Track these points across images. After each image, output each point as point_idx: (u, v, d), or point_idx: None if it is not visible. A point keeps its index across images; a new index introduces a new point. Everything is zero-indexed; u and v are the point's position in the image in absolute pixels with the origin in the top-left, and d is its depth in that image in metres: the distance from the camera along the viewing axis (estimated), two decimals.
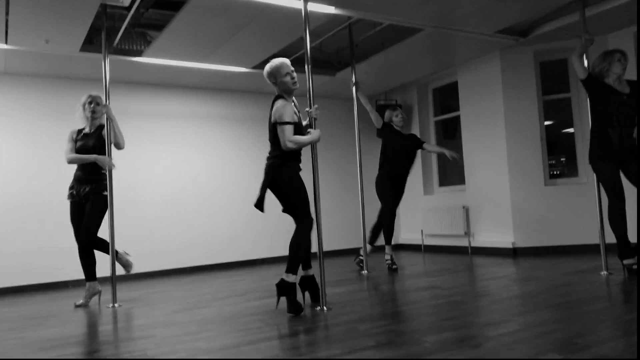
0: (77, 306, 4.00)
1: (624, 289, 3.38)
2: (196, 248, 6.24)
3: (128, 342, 2.71)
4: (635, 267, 3.81)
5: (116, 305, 3.94)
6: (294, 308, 3.15)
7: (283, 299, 3.33)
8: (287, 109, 3.23)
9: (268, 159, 3.39)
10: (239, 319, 3.16)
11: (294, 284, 3.22)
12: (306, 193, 3.33)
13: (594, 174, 4.03)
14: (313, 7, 3.97)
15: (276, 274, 5.32)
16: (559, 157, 6.05)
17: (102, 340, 2.84)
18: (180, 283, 5.17)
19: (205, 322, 3.12)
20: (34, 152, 5.43)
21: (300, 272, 3.47)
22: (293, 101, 3.41)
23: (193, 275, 5.83)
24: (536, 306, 2.96)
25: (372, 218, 5.50)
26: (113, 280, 4.00)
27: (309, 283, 3.53)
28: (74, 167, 4.13)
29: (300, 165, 3.44)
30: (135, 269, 5.69)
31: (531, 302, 3.08)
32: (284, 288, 3.20)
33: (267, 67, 3.34)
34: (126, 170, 5.77)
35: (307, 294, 3.61)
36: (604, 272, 3.98)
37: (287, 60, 3.34)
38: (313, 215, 3.34)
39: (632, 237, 4.18)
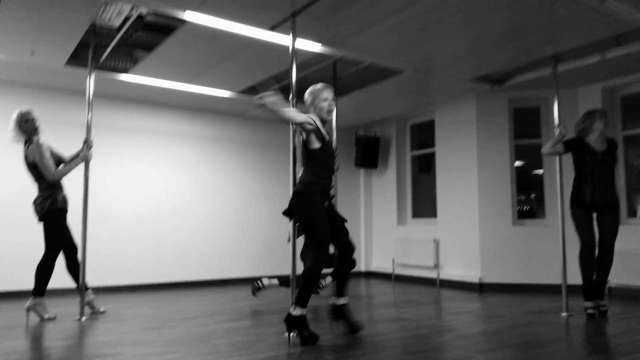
0: (43, 319, 3.95)
1: (583, 331, 3.53)
2: (168, 265, 6.21)
3: None
4: (589, 311, 4.05)
5: (83, 318, 3.92)
6: (306, 340, 3.05)
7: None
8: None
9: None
10: (208, 341, 3.18)
11: (303, 316, 3.11)
12: (326, 225, 3.19)
13: (560, 219, 4.35)
14: (301, 44, 4.12)
15: (247, 295, 5.34)
16: (529, 192, 6.28)
17: (66, 356, 2.83)
18: (149, 299, 5.14)
19: (174, 342, 3.14)
20: (10, 161, 5.37)
21: (335, 299, 3.44)
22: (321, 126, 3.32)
23: (163, 292, 5.79)
24: (498, 344, 3.08)
25: None
26: (82, 292, 3.99)
27: (339, 312, 3.43)
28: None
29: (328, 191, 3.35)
30: (106, 282, 5.67)
31: (494, 340, 3.20)
32: (290, 323, 3.12)
33: (311, 87, 3.33)
34: (103, 183, 5.76)
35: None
36: (564, 314, 4.14)
37: (331, 87, 3.32)
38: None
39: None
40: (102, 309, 4.26)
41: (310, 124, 3.19)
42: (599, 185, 4.09)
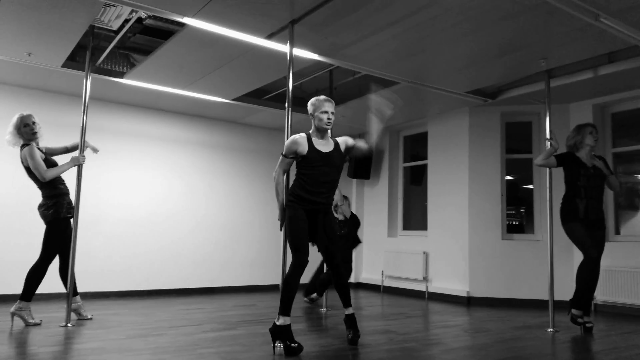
0: (28, 324, 3.90)
1: (569, 347, 3.56)
2: (157, 271, 6.17)
3: None
4: (579, 320, 4.07)
5: (69, 324, 3.88)
6: (290, 351, 3.07)
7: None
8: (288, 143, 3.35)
9: None
10: (194, 350, 3.16)
11: (287, 326, 3.14)
12: (300, 231, 3.30)
13: (549, 235, 4.35)
14: (298, 52, 4.15)
15: (235, 305, 5.32)
16: (519, 207, 6.32)
17: None
18: (137, 306, 5.10)
19: (159, 351, 3.12)
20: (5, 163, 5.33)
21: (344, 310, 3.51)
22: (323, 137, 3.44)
23: (150, 299, 5.75)
24: (484, 359, 3.09)
25: None
26: (69, 297, 3.95)
27: (349, 322, 3.50)
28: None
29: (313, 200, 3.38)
30: (93, 288, 5.62)
31: (480, 355, 3.20)
32: (275, 333, 3.15)
33: (313, 98, 3.44)
34: (94, 187, 5.72)
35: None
36: (550, 329, 4.16)
37: (331, 101, 3.43)
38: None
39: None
40: (89, 315, 4.22)
41: (287, 155, 3.36)
42: (592, 201, 4.11)
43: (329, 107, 3.38)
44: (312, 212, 3.35)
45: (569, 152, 4.28)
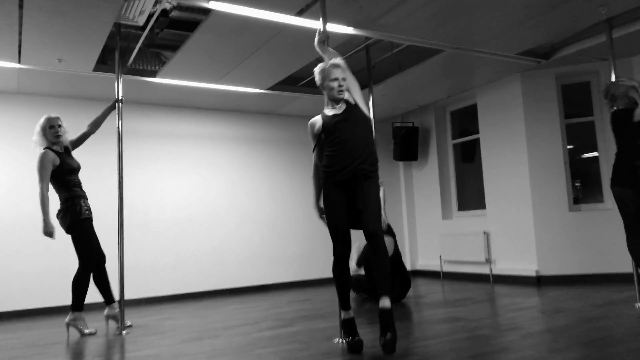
0: (83, 335, 3.83)
1: None
2: (208, 272, 6.07)
3: None
4: None
5: (124, 332, 3.78)
6: (349, 347, 2.86)
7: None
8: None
9: None
10: (252, 350, 2.98)
11: (345, 320, 2.92)
12: (332, 217, 2.94)
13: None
14: (332, 27, 3.87)
15: (290, 301, 5.13)
16: (573, 182, 5.79)
17: None
18: (190, 309, 5.00)
19: (216, 353, 2.95)
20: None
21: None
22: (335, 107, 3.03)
23: (203, 300, 5.65)
24: (570, 342, 2.75)
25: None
26: (122, 305, 3.86)
27: (384, 319, 2.77)
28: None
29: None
30: (144, 294, 5.57)
31: (564, 338, 2.86)
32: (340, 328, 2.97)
33: (318, 66, 3.06)
34: (137, 191, 5.68)
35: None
36: (638, 304, 3.73)
37: (340, 66, 3.00)
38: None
39: None
40: (128, 322, 4.09)
41: (314, 142, 3.08)
42: None
43: (338, 72, 2.96)
44: (345, 183, 2.88)
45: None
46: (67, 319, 3.84)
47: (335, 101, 3.01)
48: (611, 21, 4.22)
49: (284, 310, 4.52)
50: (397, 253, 4.82)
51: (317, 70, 3.05)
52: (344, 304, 2.95)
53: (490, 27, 4.27)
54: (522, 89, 5.67)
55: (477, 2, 3.79)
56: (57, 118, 3.96)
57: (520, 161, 5.69)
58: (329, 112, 3.03)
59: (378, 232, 2.84)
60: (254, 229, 6.44)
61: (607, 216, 5.25)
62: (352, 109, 3.00)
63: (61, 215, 3.89)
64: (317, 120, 3.07)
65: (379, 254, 2.83)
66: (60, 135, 3.93)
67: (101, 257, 4.00)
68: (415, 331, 3.35)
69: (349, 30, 4.05)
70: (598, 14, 4.05)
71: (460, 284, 5.87)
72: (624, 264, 4.79)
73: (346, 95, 3.02)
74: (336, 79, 2.95)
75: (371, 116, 4.52)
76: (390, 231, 4.84)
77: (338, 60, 3.04)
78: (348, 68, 3.07)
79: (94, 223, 4.00)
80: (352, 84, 3.07)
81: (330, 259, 2.99)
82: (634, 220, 3.61)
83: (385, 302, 2.72)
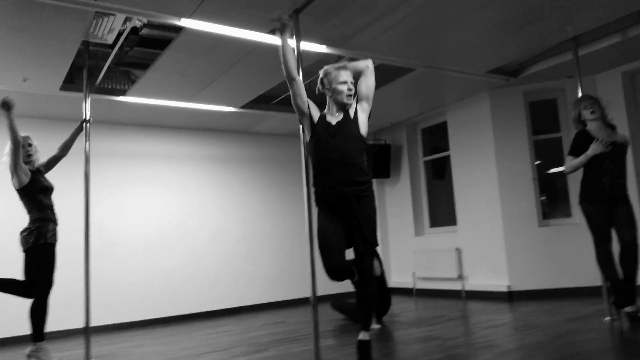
0: None
1: (633, 338, 3.19)
2: (178, 296, 5.89)
3: None
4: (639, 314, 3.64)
5: None
6: None
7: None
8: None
9: None
10: None
11: (359, 342, 2.82)
12: (320, 236, 2.83)
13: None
14: (305, 46, 3.87)
15: (264, 324, 5.03)
16: (540, 195, 5.88)
17: None
18: (159, 335, 4.83)
19: None
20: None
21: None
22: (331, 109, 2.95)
23: (173, 325, 5.47)
24: (546, 358, 2.75)
25: None
26: (87, 332, 3.69)
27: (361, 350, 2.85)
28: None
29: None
30: (111, 320, 5.36)
31: (539, 355, 2.87)
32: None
33: (324, 69, 2.96)
34: (105, 214, 5.51)
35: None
36: (607, 318, 3.79)
37: (346, 68, 2.95)
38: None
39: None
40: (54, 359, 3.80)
41: (301, 104, 2.87)
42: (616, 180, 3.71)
43: (346, 75, 2.90)
44: (339, 204, 2.78)
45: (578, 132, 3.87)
46: (28, 350, 3.62)
47: (340, 106, 2.90)
48: (577, 39, 4.34)
49: (258, 334, 4.41)
50: (382, 274, 4.76)
51: (323, 71, 2.95)
52: (361, 324, 2.83)
53: (460, 46, 4.36)
54: (491, 106, 5.79)
55: (447, 21, 3.85)
56: (28, 137, 3.84)
57: (489, 177, 5.78)
58: (328, 117, 2.91)
59: (371, 267, 2.83)
60: (227, 250, 6.31)
61: (575, 231, 5.36)
62: (346, 123, 2.88)
63: (26, 234, 3.69)
64: (317, 110, 2.94)
65: (369, 290, 2.85)
66: (31, 155, 3.81)
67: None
68: (392, 353, 3.31)
69: (322, 48, 4.06)
70: (565, 32, 4.17)
71: (433, 301, 5.88)
72: (593, 277, 4.88)
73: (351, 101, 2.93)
74: (345, 82, 2.87)
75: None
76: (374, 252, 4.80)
77: (345, 62, 2.98)
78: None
79: (58, 247, 3.83)
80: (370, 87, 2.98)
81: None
82: (602, 235, 3.70)
83: (365, 335, 2.80)
